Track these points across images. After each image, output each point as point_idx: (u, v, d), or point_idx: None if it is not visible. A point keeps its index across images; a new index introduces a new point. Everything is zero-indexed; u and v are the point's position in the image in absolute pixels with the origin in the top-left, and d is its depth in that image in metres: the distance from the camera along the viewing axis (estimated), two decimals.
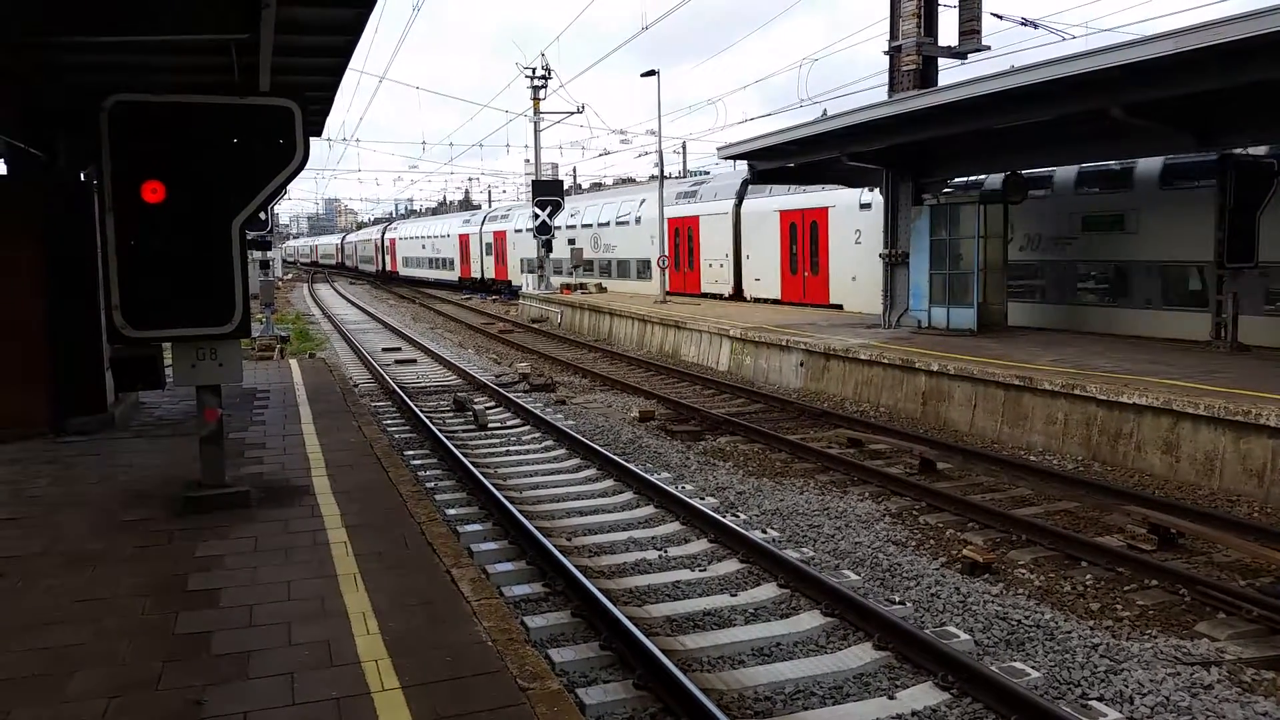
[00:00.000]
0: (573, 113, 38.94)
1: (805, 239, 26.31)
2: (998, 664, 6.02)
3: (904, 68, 18.76)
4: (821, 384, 16.68)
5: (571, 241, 39.20)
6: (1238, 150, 14.42)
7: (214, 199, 6.85)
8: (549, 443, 12.91)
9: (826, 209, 25.14)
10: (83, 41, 8.47)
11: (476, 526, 8.96)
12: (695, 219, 31.82)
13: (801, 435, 13.22)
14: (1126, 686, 5.77)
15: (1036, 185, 18.53)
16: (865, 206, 23.30)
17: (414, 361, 22.80)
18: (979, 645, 6.43)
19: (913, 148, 17.44)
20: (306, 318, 37.76)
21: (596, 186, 59.77)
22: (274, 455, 9.58)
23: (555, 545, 8.00)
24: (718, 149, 23.41)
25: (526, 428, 14.04)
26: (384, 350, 25.04)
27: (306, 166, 7.13)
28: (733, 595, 7.28)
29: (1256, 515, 9.23)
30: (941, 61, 19.24)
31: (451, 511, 9.38)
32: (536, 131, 38.40)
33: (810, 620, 6.74)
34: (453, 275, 54.85)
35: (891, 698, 5.66)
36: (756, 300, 28.56)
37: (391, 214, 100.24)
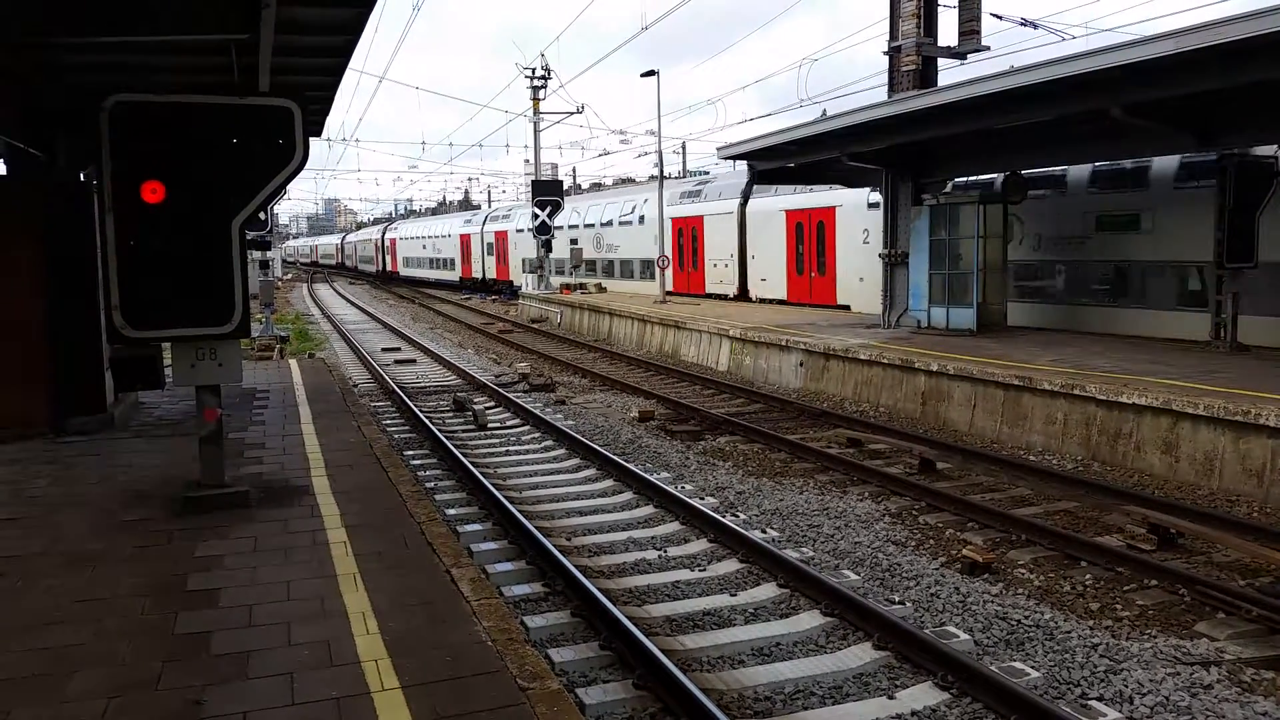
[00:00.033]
0: (572, 113, 38.99)
1: (812, 239, 26.07)
2: (997, 664, 6.03)
3: (904, 68, 18.77)
4: (821, 384, 16.69)
5: (574, 241, 39.07)
6: (1237, 150, 14.42)
7: (214, 199, 6.85)
8: (549, 443, 12.91)
9: (833, 208, 24.89)
10: (83, 42, 8.47)
11: (476, 526, 8.96)
12: (700, 219, 31.56)
13: (801, 435, 13.22)
14: (1126, 686, 5.77)
15: (1049, 185, 18.37)
16: (873, 206, 23.03)
17: (413, 361, 22.80)
18: (979, 645, 6.43)
19: (912, 148, 17.44)
20: (306, 318, 37.76)
21: (596, 186, 59.74)
22: (273, 455, 9.58)
23: (555, 545, 8.00)
24: (717, 149, 23.41)
25: (526, 428, 14.04)
26: (383, 350, 25.04)
27: (306, 166, 7.14)
28: (732, 595, 7.28)
29: (1256, 515, 9.23)
30: (941, 62, 19.25)
31: (451, 511, 9.38)
32: (536, 132, 38.42)
33: (810, 620, 6.74)
34: (454, 275, 54.59)
35: (891, 697, 5.66)
36: (762, 301, 28.28)
37: (391, 214, 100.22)
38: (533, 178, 38.93)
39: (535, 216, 35.67)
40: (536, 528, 8.46)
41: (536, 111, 37.79)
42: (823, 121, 18.66)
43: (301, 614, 5.39)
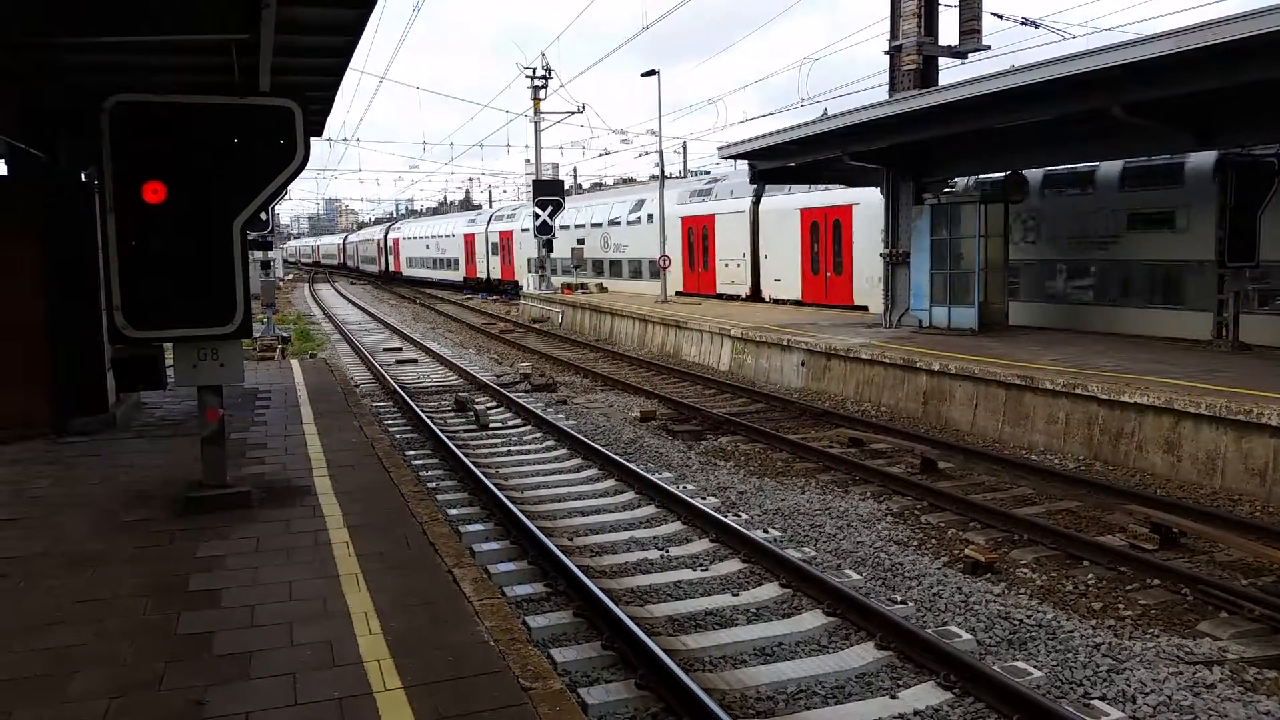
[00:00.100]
0: (573, 113, 39.00)
1: (828, 238, 25.61)
2: (1000, 663, 6.02)
3: (904, 67, 18.75)
4: (823, 384, 16.68)
5: (580, 241, 38.86)
6: (1240, 149, 14.41)
7: (215, 199, 6.85)
8: (550, 443, 12.91)
9: (850, 207, 24.40)
10: (83, 42, 8.47)
11: (478, 526, 8.95)
12: (710, 218, 31.06)
13: (803, 435, 13.21)
14: (1129, 686, 5.76)
15: (1076, 183, 18.10)
16: None
17: (415, 362, 22.80)
18: (981, 645, 6.42)
19: (913, 147, 17.43)
20: (307, 318, 37.77)
21: (597, 186, 59.71)
22: (275, 455, 9.58)
23: (557, 545, 8.00)
24: (718, 148, 23.37)
25: (528, 428, 14.04)
26: (385, 350, 25.04)
27: (307, 167, 7.13)
28: (734, 595, 7.28)
29: (1258, 514, 9.22)
30: (942, 61, 19.24)
31: (453, 511, 9.38)
32: (537, 131, 38.42)
33: (812, 620, 6.74)
34: (457, 275, 54.28)
35: (894, 697, 5.65)
36: (775, 301, 27.80)
37: (392, 214, 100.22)
38: (534, 178, 38.92)
39: (536, 216, 35.66)
40: (538, 528, 8.45)
41: (537, 111, 37.79)
42: (824, 121, 18.66)
43: (304, 614, 5.38)
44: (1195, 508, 9.18)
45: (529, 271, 39.23)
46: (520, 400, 15.71)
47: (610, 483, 10.71)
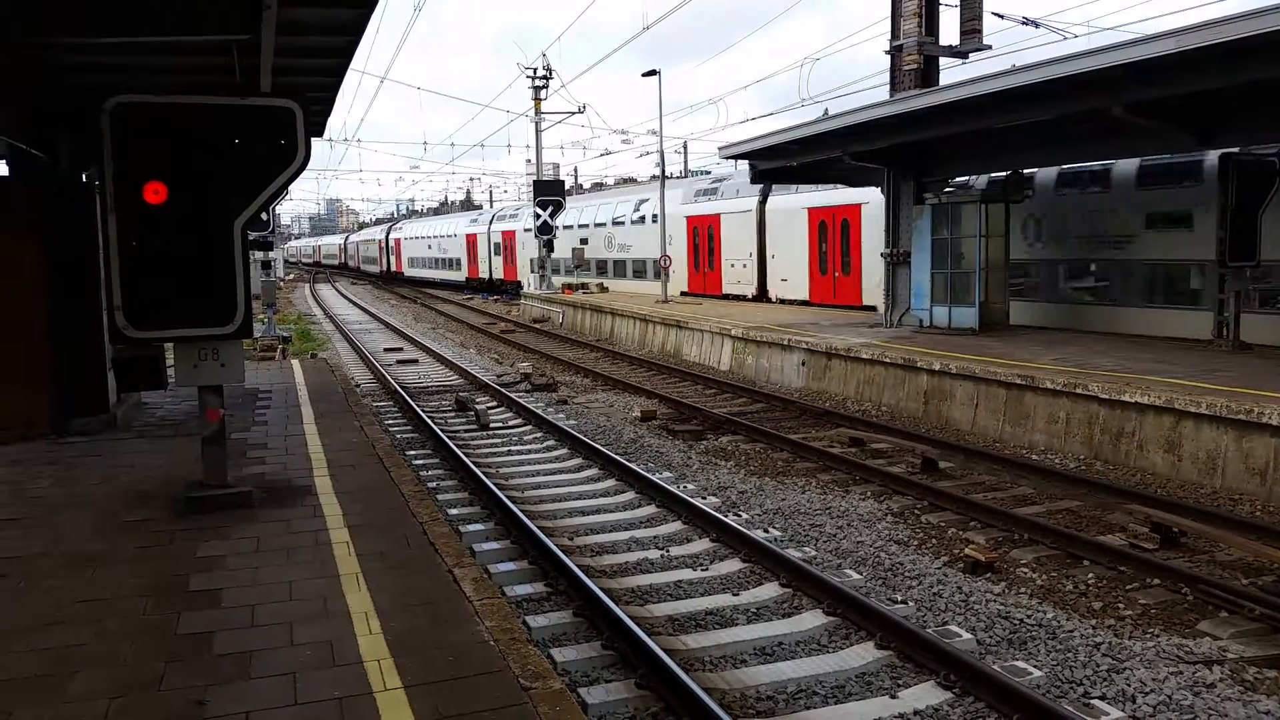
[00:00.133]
0: (574, 113, 39.05)
1: (836, 238, 25.28)
2: (1000, 663, 6.02)
3: (905, 67, 18.76)
4: (823, 383, 16.68)
5: (583, 241, 38.69)
6: (1238, 149, 14.41)
7: (215, 200, 6.86)
8: (551, 442, 12.91)
9: (859, 206, 23.97)
10: (83, 42, 8.48)
11: (478, 526, 8.96)
12: (716, 217, 30.72)
13: (803, 435, 13.21)
14: (1129, 685, 5.76)
15: (1092, 181, 17.89)
16: None
17: (416, 361, 22.81)
18: (981, 644, 6.42)
19: (914, 147, 17.43)
20: (308, 318, 37.79)
21: (598, 186, 59.69)
22: (276, 455, 9.59)
23: (557, 545, 8.00)
24: (719, 148, 23.37)
25: (528, 427, 14.04)
26: (386, 350, 25.05)
27: (308, 167, 7.14)
28: (735, 595, 7.28)
29: (1259, 514, 9.22)
30: (943, 61, 19.25)
31: (453, 511, 9.38)
32: (538, 132, 38.43)
33: (812, 619, 6.74)
34: (459, 275, 54.05)
35: (894, 697, 5.66)
36: (782, 301, 27.48)
37: (393, 214, 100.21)
38: (534, 178, 38.93)
39: (537, 216, 35.65)
40: (539, 527, 8.46)
41: (538, 111, 37.81)
42: (824, 121, 18.66)
43: (304, 614, 5.39)
44: (1195, 507, 9.18)
45: (531, 271, 39.06)
46: (521, 400, 15.72)
47: (611, 482, 10.72)
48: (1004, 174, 17.84)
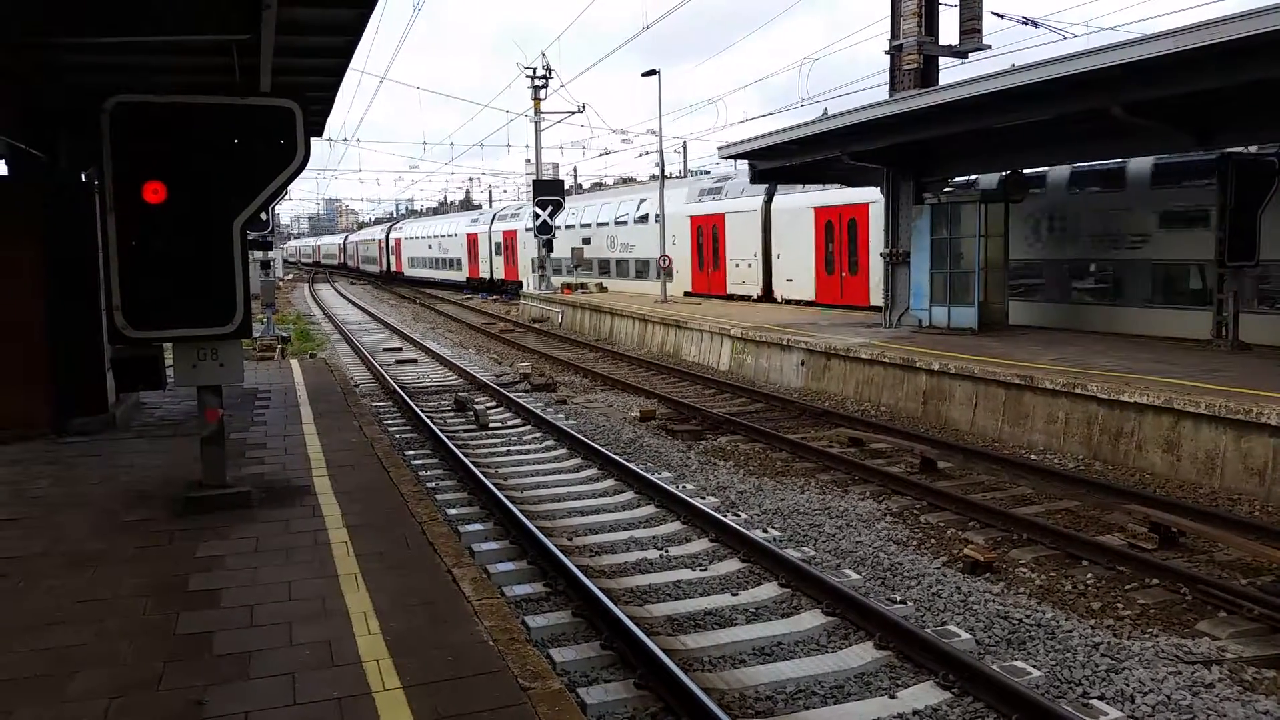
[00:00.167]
0: (573, 112, 39.02)
1: (843, 237, 25.00)
2: (999, 663, 6.02)
3: (905, 67, 18.76)
4: (822, 383, 16.68)
5: (586, 241, 38.52)
6: (1238, 149, 14.41)
7: (215, 199, 6.85)
8: (550, 442, 12.92)
9: (866, 205, 23.60)
10: (83, 42, 8.48)
11: (478, 526, 8.96)
12: (720, 217, 30.40)
13: (802, 435, 13.22)
14: (1128, 685, 5.77)
15: (1105, 181, 17.69)
16: None
17: (415, 361, 22.81)
18: (980, 644, 6.43)
19: (914, 147, 17.42)
20: (307, 318, 37.79)
21: (597, 186, 59.65)
22: (275, 455, 9.59)
23: (556, 545, 8.00)
24: (718, 148, 23.36)
25: (527, 427, 14.05)
26: (385, 350, 25.05)
27: (307, 167, 7.14)
28: (734, 595, 7.28)
29: (1257, 514, 9.23)
30: (942, 60, 19.24)
31: (453, 511, 9.38)
32: (537, 131, 38.43)
33: (811, 619, 6.74)
34: (460, 275, 53.78)
35: (893, 697, 5.66)
36: (788, 302, 27.18)
37: (392, 214, 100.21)
38: (534, 177, 38.93)
39: (536, 216, 35.65)
40: (538, 527, 8.46)
41: (537, 111, 37.81)
42: (824, 120, 18.66)
43: (303, 614, 5.39)
44: (1194, 507, 9.18)
45: (532, 271, 38.90)
46: (520, 400, 15.72)
47: (610, 482, 10.72)
48: (1004, 173, 17.86)
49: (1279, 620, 6.58)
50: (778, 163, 20.68)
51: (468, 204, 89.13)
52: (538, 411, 14.63)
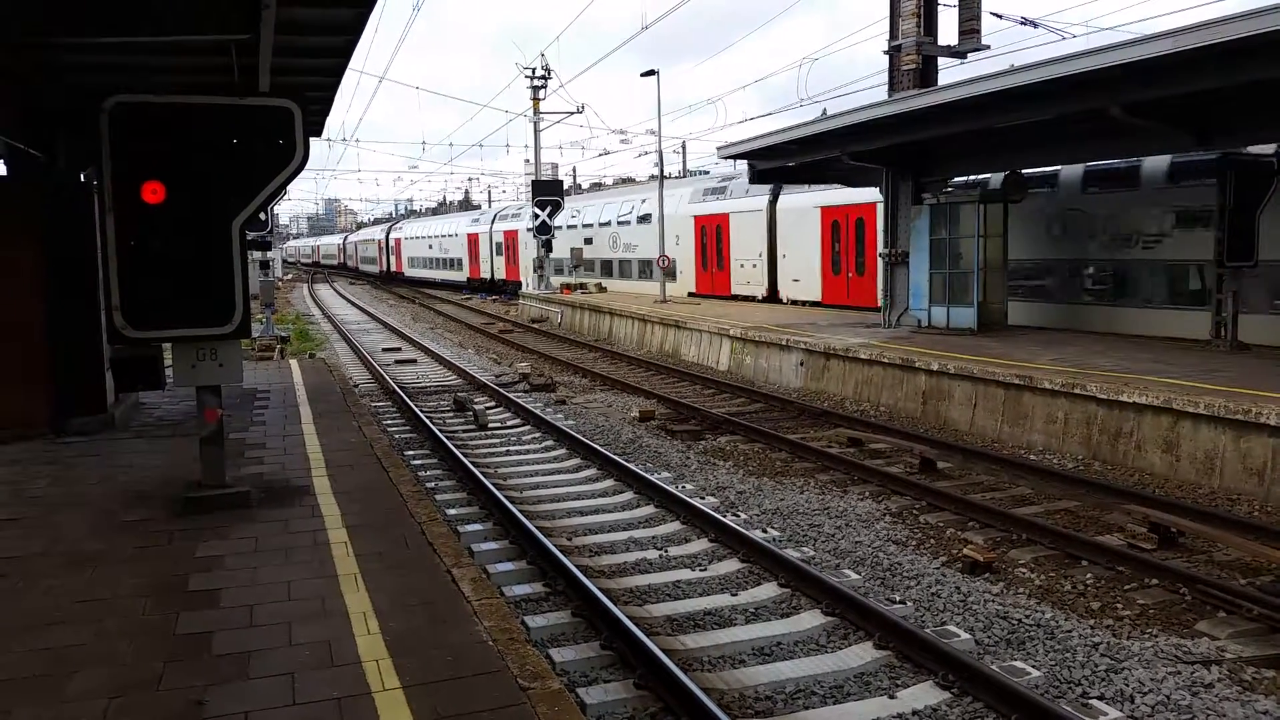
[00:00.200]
0: (572, 113, 39.01)
1: (850, 237, 24.64)
2: (998, 663, 6.03)
3: (904, 67, 18.76)
4: (822, 383, 16.69)
5: (588, 241, 38.33)
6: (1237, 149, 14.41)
7: (214, 199, 6.85)
8: (549, 442, 12.91)
9: (874, 204, 22.82)
10: (83, 42, 8.47)
11: (477, 526, 8.96)
12: (725, 216, 30.10)
13: (802, 435, 13.22)
14: (1127, 685, 5.77)
15: (1120, 180, 17.34)
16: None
17: (414, 361, 22.81)
18: (979, 644, 6.43)
19: (913, 147, 17.43)
20: (306, 318, 37.77)
21: (596, 186, 59.67)
22: (274, 455, 9.58)
23: (556, 545, 8.00)
24: (718, 148, 23.35)
25: (527, 427, 14.04)
26: (384, 350, 25.05)
27: (306, 167, 7.14)
28: (733, 595, 7.28)
29: (1257, 514, 9.23)
30: (941, 61, 19.23)
31: (452, 511, 9.38)
32: (536, 131, 38.44)
33: (811, 620, 6.75)
34: (461, 276, 53.53)
35: (892, 697, 5.66)
36: (793, 302, 26.91)
37: (391, 214, 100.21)
38: (533, 178, 38.93)
39: (535, 216, 35.64)
40: (537, 528, 8.46)
41: (537, 111, 37.81)
42: (823, 121, 18.66)
43: (302, 614, 5.39)
44: (1194, 507, 9.19)
45: (533, 271, 38.71)
46: (519, 400, 15.72)
47: (609, 482, 10.72)
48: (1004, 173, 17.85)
49: (1278, 620, 6.58)
50: (777, 163, 20.69)
51: (467, 204, 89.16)
52: (537, 411, 14.63)
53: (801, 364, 17.33)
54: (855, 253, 24.86)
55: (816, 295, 26.31)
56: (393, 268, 69.65)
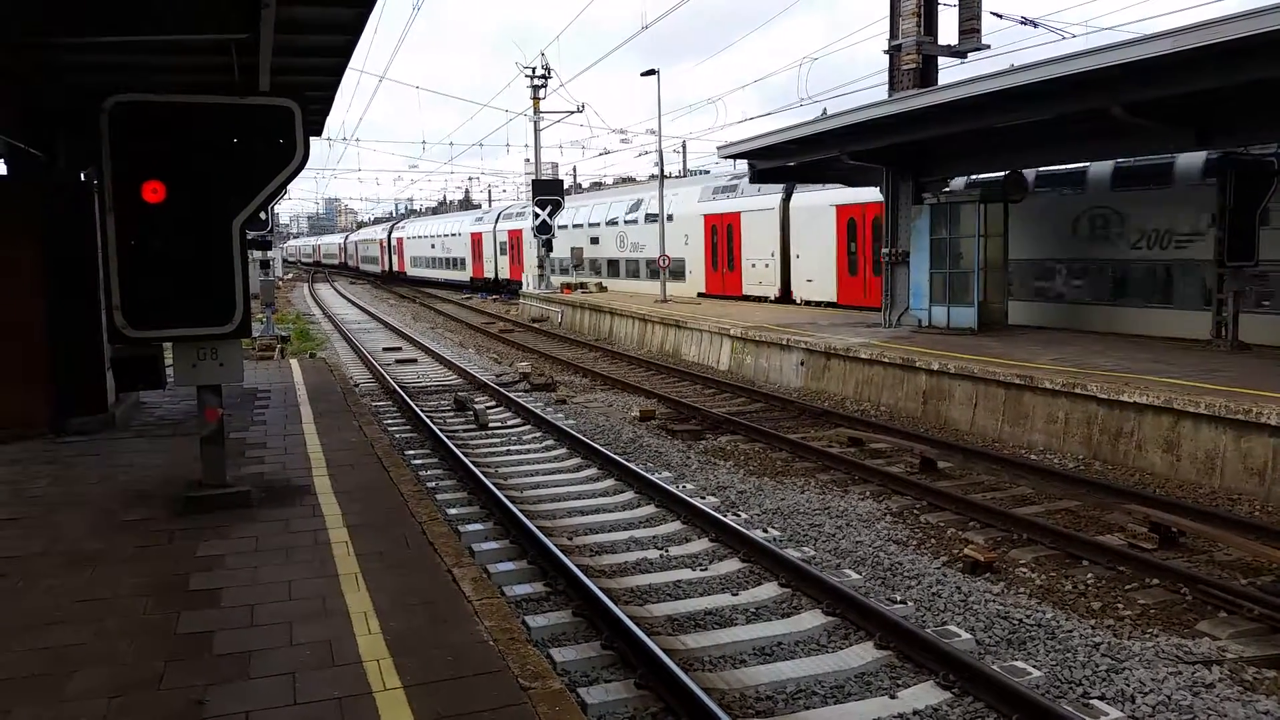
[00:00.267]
0: (573, 112, 39.02)
1: (867, 236, 23.81)
2: (999, 663, 6.02)
3: (904, 67, 18.75)
4: (822, 383, 16.68)
5: (595, 240, 38.08)
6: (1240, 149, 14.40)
7: (214, 199, 6.85)
8: (550, 442, 12.91)
9: None
10: (83, 42, 8.47)
11: (478, 526, 8.96)
12: (736, 215, 29.49)
13: (802, 434, 13.22)
14: (1128, 685, 5.77)
15: (1152, 177, 16.97)
16: None
17: (414, 361, 22.81)
18: (980, 644, 6.43)
19: (913, 146, 17.43)
20: (307, 317, 37.76)
21: (596, 186, 59.65)
22: (275, 455, 9.58)
23: (556, 544, 8.00)
24: (718, 148, 23.33)
25: (527, 427, 14.04)
26: (384, 350, 25.04)
27: (306, 166, 7.14)
28: (734, 594, 7.28)
29: (1257, 514, 9.23)
30: (941, 60, 19.23)
31: (452, 511, 9.38)
32: (536, 131, 38.44)
33: (811, 619, 6.74)
34: (464, 275, 53.14)
35: (893, 697, 5.66)
36: (807, 303, 26.33)
37: (392, 213, 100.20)
38: (533, 177, 38.93)
39: (536, 216, 35.63)
40: (538, 527, 8.46)
41: (537, 111, 37.81)
42: (823, 120, 18.65)
43: (303, 614, 5.39)
44: (1194, 507, 9.19)
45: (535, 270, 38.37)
46: (519, 400, 15.72)
47: (610, 482, 10.72)
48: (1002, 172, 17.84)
49: (1279, 620, 6.58)
50: (777, 162, 20.67)
51: (467, 203, 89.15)
52: (537, 411, 14.63)
53: (802, 364, 17.33)
54: (873, 252, 24.06)
55: (831, 296, 25.74)
56: (395, 267, 69.47)
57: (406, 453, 12.04)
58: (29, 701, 4.38)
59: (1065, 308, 18.85)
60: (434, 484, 10.46)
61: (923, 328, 18.59)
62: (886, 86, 19.36)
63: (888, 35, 19.34)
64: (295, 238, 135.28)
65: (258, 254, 28.72)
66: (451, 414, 15.25)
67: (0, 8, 7.56)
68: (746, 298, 29.09)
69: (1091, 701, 5.55)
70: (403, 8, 46.52)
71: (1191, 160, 16.25)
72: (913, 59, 18.61)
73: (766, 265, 28.38)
